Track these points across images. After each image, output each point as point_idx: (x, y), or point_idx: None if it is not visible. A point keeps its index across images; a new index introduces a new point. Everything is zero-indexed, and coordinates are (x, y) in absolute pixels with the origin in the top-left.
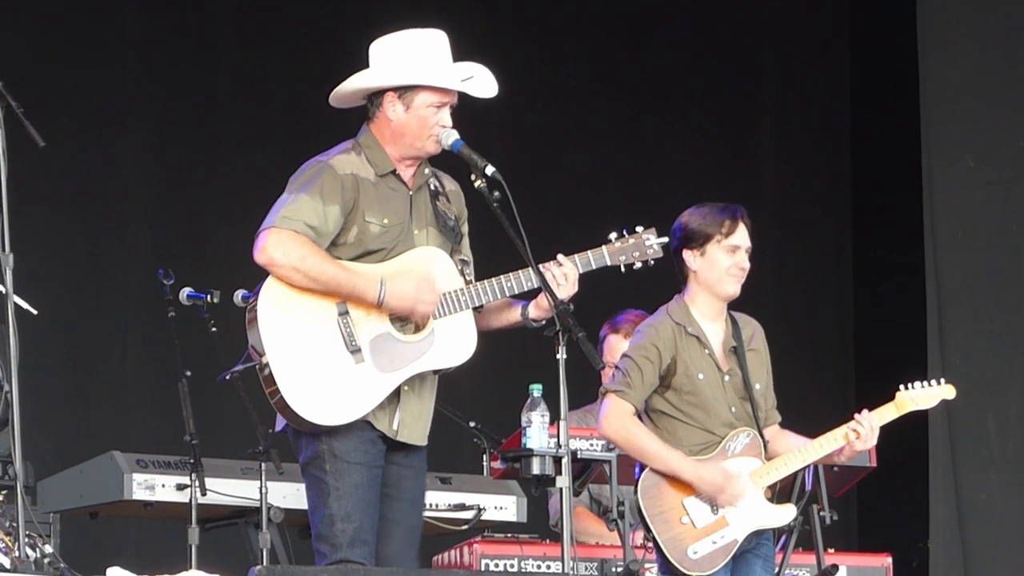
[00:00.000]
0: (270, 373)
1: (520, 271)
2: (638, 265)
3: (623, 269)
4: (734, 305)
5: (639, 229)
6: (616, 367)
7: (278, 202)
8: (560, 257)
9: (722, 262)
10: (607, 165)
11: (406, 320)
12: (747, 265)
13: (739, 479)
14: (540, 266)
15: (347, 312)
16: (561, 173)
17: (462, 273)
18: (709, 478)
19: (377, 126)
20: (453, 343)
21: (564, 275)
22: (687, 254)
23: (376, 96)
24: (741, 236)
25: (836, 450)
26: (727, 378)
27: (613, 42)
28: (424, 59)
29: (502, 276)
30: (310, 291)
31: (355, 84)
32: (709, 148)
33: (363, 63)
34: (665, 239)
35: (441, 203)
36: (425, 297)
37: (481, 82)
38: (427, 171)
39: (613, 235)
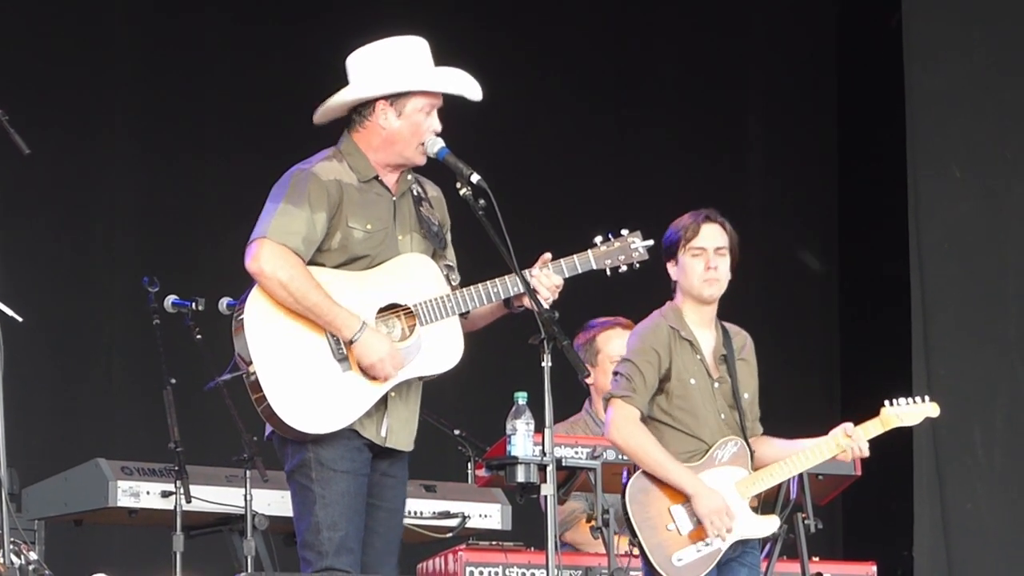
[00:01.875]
0: (257, 381)
1: (506, 276)
2: (623, 268)
3: (608, 273)
4: (721, 316)
5: (624, 232)
6: (617, 372)
7: (267, 210)
8: (545, 256)
9: (692, 267)
10: (593, 175)
11: (392, 327)
12: (716, 264)
13: (733, 517)
14: (525, 272)
15: None
16: (547, 183)
17: (447, 279)
18: (709, 501)
19: (362, 135)
20: (440, 349)
21: (553, 287)
22: (669, 264)
23: (364, 107)
24: (705, 237)
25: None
26: (717, 385)
27: (600, 52)
28: (411, 65)
29: (488, 282)
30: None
31: (344, 97)
32: (696, 159)
33: (347, 74)
34: (651, 242)
35: (425, 209)
36: (387, 367)
37: (466, 83)
38: (409, 177)
39: (598, 239)
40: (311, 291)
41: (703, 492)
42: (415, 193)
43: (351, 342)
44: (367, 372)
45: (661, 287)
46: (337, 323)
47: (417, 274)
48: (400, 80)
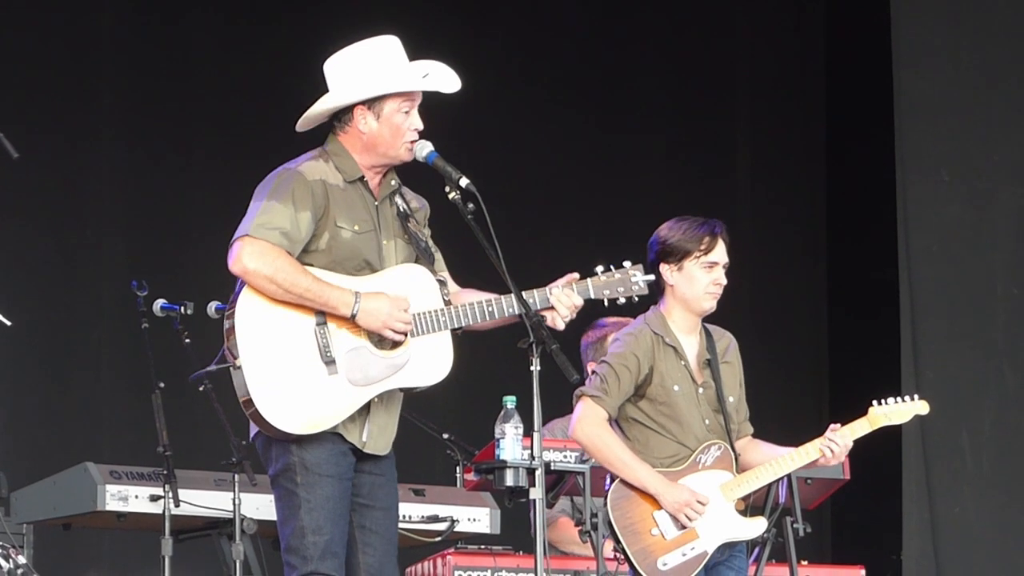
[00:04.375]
0: (243, 378)
1: (503, 296)
2: (622, 300)
3: (606, 303)
4: (709, 318)
5: (626, 264)
6: (593, 372)
7: (249, 210)
8: (572, 276)
9: (700, 278)
10: (582, 182)
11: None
12: (724, 281)
13: (706, 501)
14: (547, 288)
15: (324, 323)
16: (534, 188)
17: (440, 293)
18: (674, 495)
19: (347, 139)
20: (428, 363)
21: (573, 306)
22: (664, 268)
23: (344, 112)
24: (719, 253)
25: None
26: (701, 390)
27: (588, 59)
28: (384, 67)
29: (483, 300)
30: (284, 302)
31: (323, 107)
32: (684, 164)
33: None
34: (651, 277)
35: (412, 225)
36: (395, 323)
37: (441, 77)
38: (393, 182)
39: (599, 268)
40: (300, 277)
41: (666, 489)
42: (400, 209)
43: (353, 317)
44: (381, 337)
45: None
46: (332, 303)
47: (413, 285)
48: (374, 84)
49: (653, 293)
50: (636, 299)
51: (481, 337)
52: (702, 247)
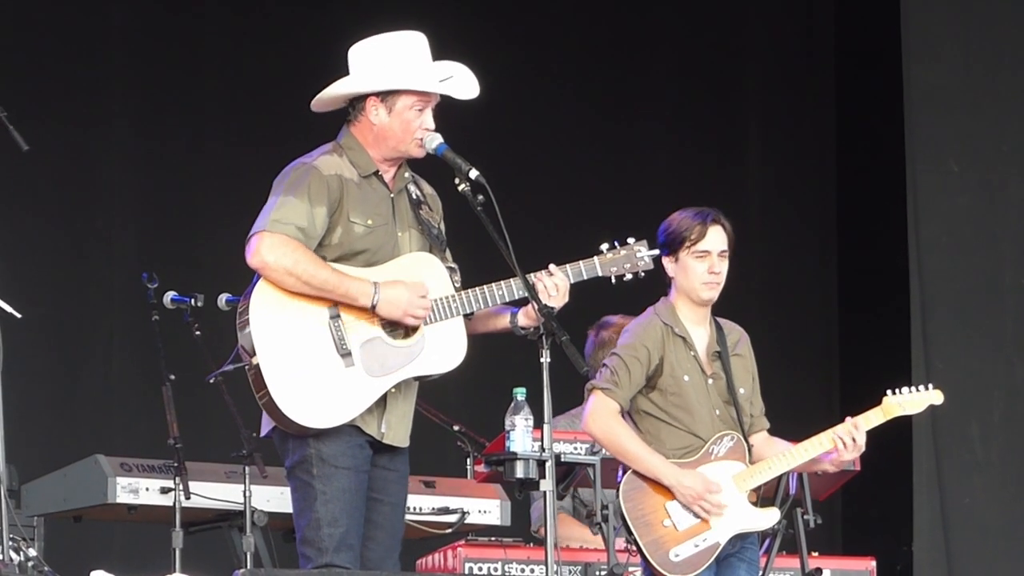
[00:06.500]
0: (259, 374)
1: (512, 279)
2: (628, 277)
3: (613, 281)
4: (720, 311)
5: (631, 241)
6: (603, 364)
7: (268, 205)
8: (551, 267)
9: (693, 268)
10: (591, 173)
11: (397, 325)
12: (719, 269)
13: (719, 490)
14: (531, 275)
15: (338, 315)
16: (545, 180)
17: (451, 280)
18: (688, 485)
19: (359, 129)
20: (443, 349)
21: (555, 286)
22: (665, 260)
23: (358, 101)
24: (711, 241)
25: (821, 455)
26: (711, 381)
27: (598, 49)
28: (404, 62)
29: (493, 284)
30: (302, 294)
31: (337, 90)
32: (694, 155)
33: (347, 66)
34: (656, 252)
35: (425, 212)
36: (415, 309)
37: (462, 82)
38: (407, 175)
39: (604, 246)
40: (319, 270)
41: (681, 480)
42: (414, 196)
43: (373, 308)
44: (400, 325)
45: (661, 283)
46: (352, 294)
47: (423, 273)
48: (391, 78)
49: (663, 283)
50: (642, 275)
51: None
52: (692, 236)
